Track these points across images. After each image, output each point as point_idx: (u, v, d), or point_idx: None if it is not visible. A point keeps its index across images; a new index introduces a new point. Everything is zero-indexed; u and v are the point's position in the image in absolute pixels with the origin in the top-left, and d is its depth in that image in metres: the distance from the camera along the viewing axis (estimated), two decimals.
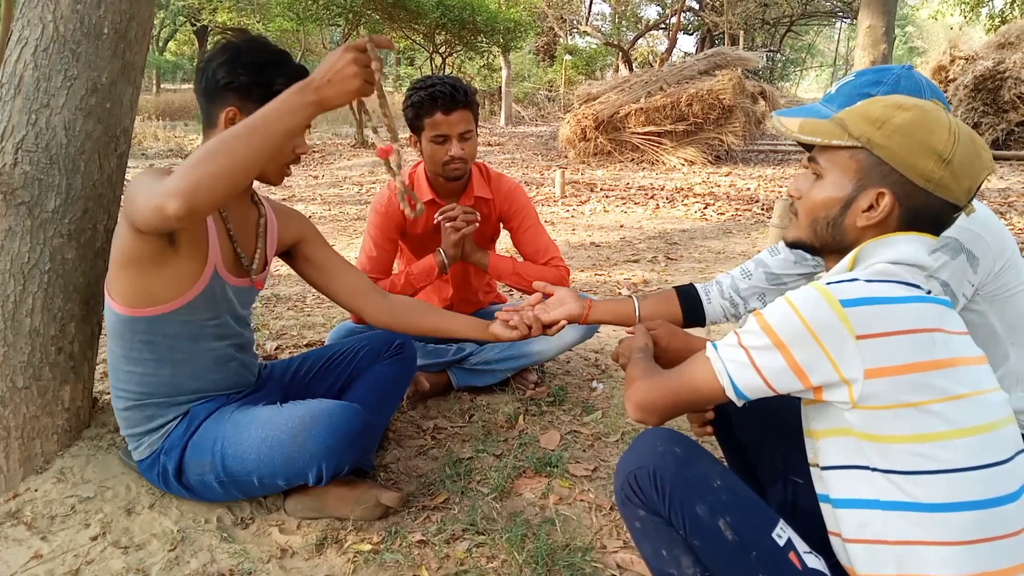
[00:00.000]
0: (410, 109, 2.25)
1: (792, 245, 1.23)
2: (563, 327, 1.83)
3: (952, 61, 11.40)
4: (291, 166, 1.65)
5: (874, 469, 1.03)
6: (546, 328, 1.82)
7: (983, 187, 7.93)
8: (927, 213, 1.09)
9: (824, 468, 1.12)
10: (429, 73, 15.11)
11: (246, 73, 1.51)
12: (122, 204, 1.50)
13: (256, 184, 1.73)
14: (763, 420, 1.47)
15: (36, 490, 1.74)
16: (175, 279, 1.55)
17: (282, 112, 1.29)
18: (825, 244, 1.17)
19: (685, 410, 1.27)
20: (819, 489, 1.16)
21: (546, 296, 1.90)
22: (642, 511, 1.19)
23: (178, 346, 1.61)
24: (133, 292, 1.54)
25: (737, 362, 1.10)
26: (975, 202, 1.44)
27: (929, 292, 1.09)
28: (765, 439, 1.48)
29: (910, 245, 1.08)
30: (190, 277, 1.57)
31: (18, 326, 1.72)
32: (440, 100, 2.17)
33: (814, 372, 1.03)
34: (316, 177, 10.22)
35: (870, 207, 1.10)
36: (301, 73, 1.52)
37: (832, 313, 1.01)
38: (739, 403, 1.14)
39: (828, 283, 1.05)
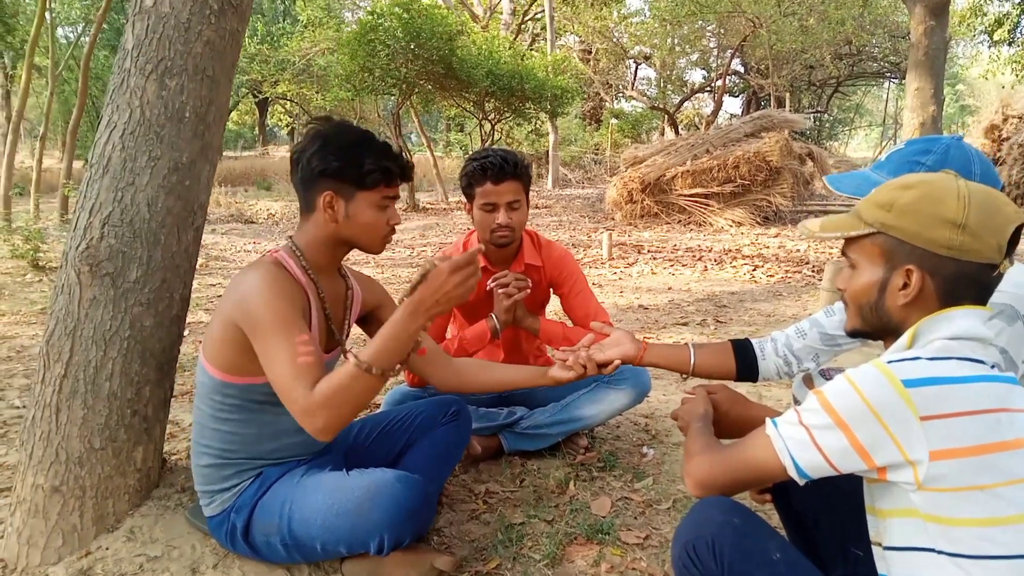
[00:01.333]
0: (464, 179, 2.36)
1: (851, 335, 1.26)
2: (617, 366, 1.86)
3: (1005, 120, 11.26)
4: (390, 236, 1.76)
5: (940, 552, 1.02)
6: (601, 367, 1.86)
7: None
8: (964, 279, 1.10)
9: (888, 548, 1.11)
10: (479, 139, 15.53)
11: (337, 158, 1.62)
12: (232, 301, 1.59)
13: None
14: (822, 490, 1.46)
15: (107, 548, 1.81)
16: None
17: (407, 342, 1.49)
18: (877, 328, 1.20)
19: (746, 488, 1.28)
20: (881, 569, 1.15)
21: (600, 337, 1.94)
22: None
23: (265, 409, 1.70)
24: (229, 363, 1.64)
25: (799, 440, 1.11)
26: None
27: (994, 366, 1.09)
28: (824, 510, 1.46)
29: (967, 320, 1.09)
30: None
31: (98, 390, 1.82)
32: (490, 171, 2.28)
33: (878, 453, 1.03)
34: None
35: (904, 285, 1.12)
36: (386, 148, 1.66)
37: (895, 393, 1.02)
38: (801, 482, 1.14)
39: (889, 362, 1.06)
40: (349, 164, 1.63)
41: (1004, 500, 0.98)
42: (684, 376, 1.90)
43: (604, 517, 2.11)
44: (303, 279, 1.69)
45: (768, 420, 1.19)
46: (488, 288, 2.39)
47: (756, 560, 1.16)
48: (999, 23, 17.25)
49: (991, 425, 1.00)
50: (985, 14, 17.37)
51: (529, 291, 2.39)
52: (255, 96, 24.70)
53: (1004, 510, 0.98)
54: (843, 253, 1.23)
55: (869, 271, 1.17)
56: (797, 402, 2.00)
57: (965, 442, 0.99)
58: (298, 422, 1.48)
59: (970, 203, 1.07)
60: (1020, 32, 17.39)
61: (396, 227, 1.77)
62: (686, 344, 1.89)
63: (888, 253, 1.14)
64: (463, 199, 2.42)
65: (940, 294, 1.11)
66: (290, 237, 1.74)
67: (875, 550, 1.17)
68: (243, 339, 1.58)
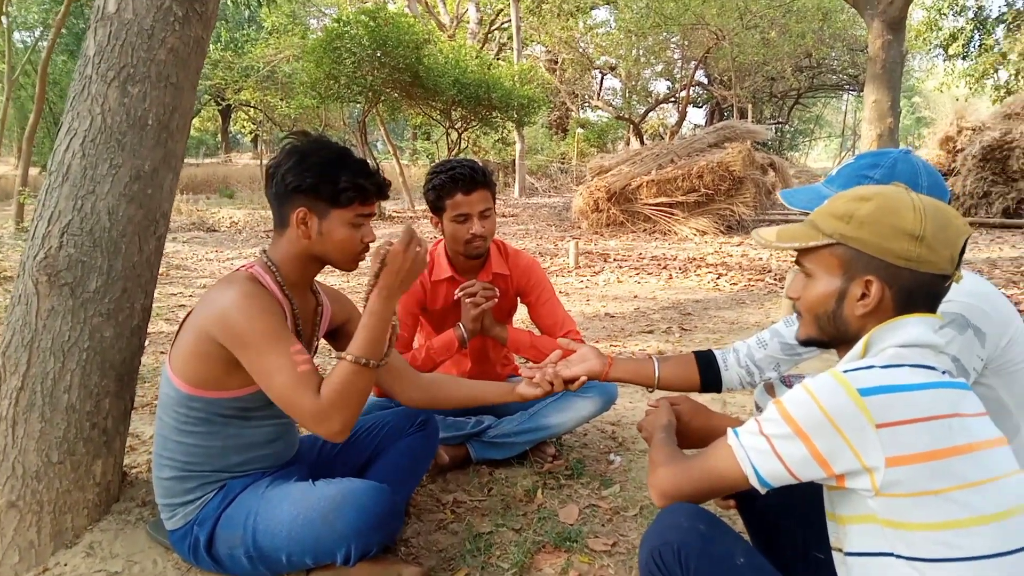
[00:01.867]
0: (431, 192, 2.33)
1: (805, 343, 1.28)
2: (584, 382, 1.89)
3: (959, 131, 11.60)
4: (364, 254, 1.75)
5: (898, 556, 1.04)
6: (567, 383, 1.89)
7: (984, 256, 7.96)
8: (920, 289, 1.13)
9: (848, 554, 1.13)
10: (445, 147, 15.52)
11: (312, 175, 1.61)
12: (210, 316, 1.57)
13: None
14: (784, 496, 1.49)
15: (66, 564, 1.77)
16: (242, 374, 1.60)
17: (385, 327, 1.58)
18: (833, 337, 1.22)
19: (709, 497, 1.30)
20: (841, 573, 1.17)
21: (567, 353, 1.96)
22: None
23: (232, 423, 1.68)
24: (198, 377, 1.62)
25: (759, 450, 1.13)
26: (977, 276, 1.49)
27: (945, 372, 1.12)
28: (787, 515, 1.49)
29: (918, 327, 1.12)
30: None
31: (56, 402, 1.78)
32: (460, 182, 2.27)
33: (836, 461, 1.05)
34: None
35: (863, 295, 1.15)
36: (362, 166, 1.66)
37: (851, 402, 1.04)
38: (763, 491, 1.16)
39: (845, 371, 1.08)
40: (324, 181, 1.61)
41: (958, 504, 1.01)
42: (650, 389, 1.92)
43: (572, 525, 2.12)
44: (279, 295, 1.68)
45: (729, 430, 1.20)
46: (456, 297, 2.39)
47: (721, 565, 1.17)
48: (953, 38, 17.80)
49: (944, 431, 1.02)
50: (940, 28, 17.92)
51: (496, 300, 2.40)
52: (218, 103, 24.37)
53: (958, 513, 1.01)
54: (797, 263, 1.24)
55: (826, 281, 1.19)
56: (759, 409, 2.04)
57: (919, 448, 1.01)
58: (309, 428, 1.54)
59: (926, 215, 1.10)
60: (973, 47, 17.96)
61: (370, 244, 1.76)
62: (650, 358, 1.92)
63: (847, 264, 1.16)
64: (429, 212, 2.41)
65: (897, 304, 1.14)
66: (263, 251, 1.73)
67: (835, 555, 1.19)
68: (221, 353, 1.57)
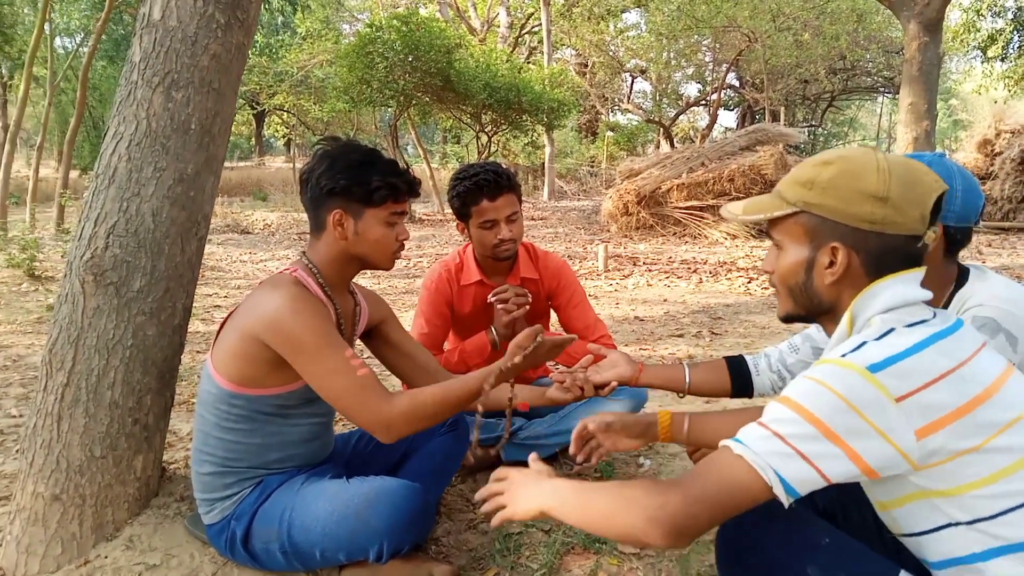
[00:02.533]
0: (456, 199, 2.32)
1: (785, 319, 1.25)
2: (614, 388, 1.90)
3: (998, 135, 11.39)
4: (399, 252, 1.79)
5: (958, 523, 1.02)
6: (598, 389, 1.89)
7: (1023, 262, 7.78)
8: (890, 252, 1.09)
9: (909, 535, 1.10)
10: (475, 150, 15.59)
11: (344, 176, 1.66)
12: (259, 320, 1.60)
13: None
14: (842, 486, 1.44)
15: (106, 557, 1.82)
16: (287, 373, 1.65)
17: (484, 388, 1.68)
18: (810, 310, 1.19)
19: (724, 520, 1.08)
20: (917, 553, 1.13)
21: (598, 359, 1.96)
22: None
23: (273, 421, 1.72)
24: (242, 375, 1.66)
25: (780, 454, 1.00)
26: (1009, 281, 1.47)
27: (935, 315, 1.09)
28: (849, 500, 1.44)
29: (893, 288, 1.09)
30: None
31: (100, 398, 1.83)
32: (485, 188, 2.26)
33: (867, 452, 0.99)
34: None
35: (831, 263, 1.11)
36: (392, 165, 1.70)
37: (864, 381, 0.99)
38: (788, 501, 1.02)
39: (843, 355, 1.04)
40: (356, 182, 1.66)
41: (999, 452, 0.98)
42: (680, 395, 1.92)
43: None
44: (322, 297, 1.72)
45: (730, 441, 1.07)
46: (488, 302, 2.41)
47: (807, 550, 1.13)
48: (992, 39, 17.43)
49: (959, 384, 1.00)
50: (979, 30, 17.55)
51: (528, 307, 2.41)
52: (252, 107, 24.73)
53: (1002, 461, 0.98)
54: (768, 235, 1.21)
55: (794, 251, 1.15)
56: None
57: (943, 410, 0.98)
58: (370, 430, 1.61)
59: (890, 175, 1.06)
60: (1013, 48, 17.57)
61: (405, 243, 1.79)
62: (681, 363, 1.92)
63: (812, 232, 1.12)
64: (455, 218, 2.41)
65: (867, 269, 1.10)
66: (303, 254, 1.77)
67: (903, 540, 1.15)
68: (266, 355, 1.61)
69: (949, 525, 1.03)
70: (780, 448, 1.01)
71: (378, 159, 1.70)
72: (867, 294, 1.10)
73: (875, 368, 0.99)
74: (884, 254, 1.09)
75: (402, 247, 1.78)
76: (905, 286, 1.09)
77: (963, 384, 1.00)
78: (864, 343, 1.04)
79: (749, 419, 1.35)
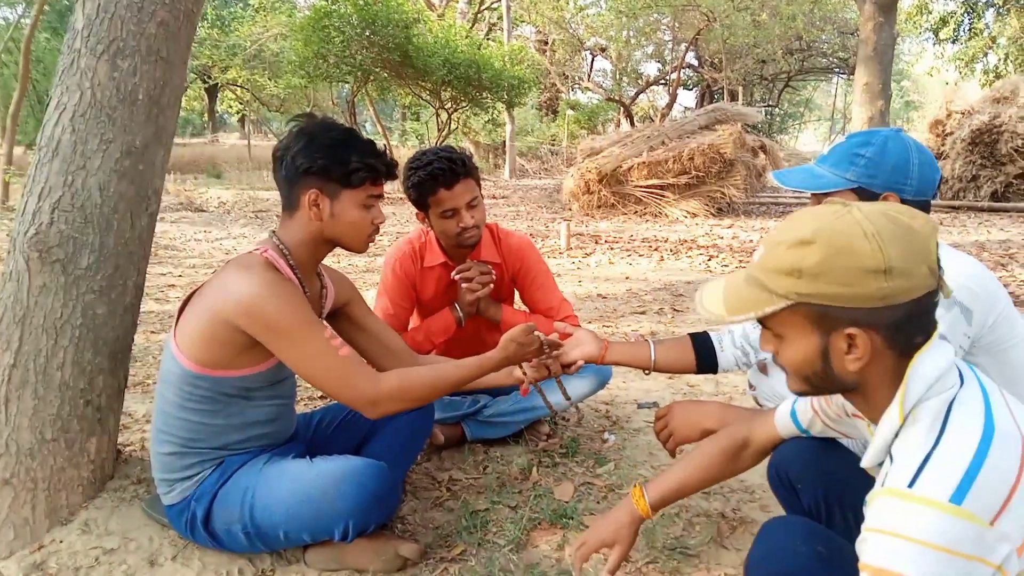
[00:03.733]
0: (412, 191, 2.24)
1: (800, 395, 1.15)
2: (580, 367, 1.91)
3: (948, 115, 11.68)
4: (374, 235, 1.76)
5: None
6: (565, 368, 1.90)
7: (973, 239, 8.02)
8: (910, 319, 0.98)
9: None
10: (435, 128, 15.42)
11: (322, 156, 1.61)
12: (229, 302, 1.55)
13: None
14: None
15: (61, 541, 1.76)
16: (254, 355, 1.62)
17: (480, 375, 1.78)
18: (829, 392, 1.10)
19: None
20: None
21: (564, 337, 1.96)
22: None
23: (234, 402, 1.67)
24: (208, 357, 1.60)
25: None
26: (963, 255, 1.48)
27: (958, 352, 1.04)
28: (833, 501, 1.44)
29: (929, 363, 1.00)
30: (268, 354, 1.64)
31: (48, 380, 1.77)
32: (441, 177, 2.17)
33: None
34: None
35: (850, 347, 0.99)
36: (370, 146, 1.66)
37: (955, 519, 0.89)
38: None
39: (910, 486, 0.93)
40: (335, 162, 1.61)
41: None
42: (646, 372, 1.93)
43: (567, 502, 2.13)
44: (293, 279, 1.67)
45: None
46: (453, 279, 2.38)
47: None
48: (944, 22, 17.83)
49: None
50: (931, 12, 17.92)
51: (493, 284, 2.39)
52: (204, 82, 24.03)
53: None
54: (762, 324, 1.09)
55: (802, 342, 1.02)
56: (752, 387, 2.05)
57: None
58: (355, 407, 1.65)
59: (883, 239, 0.94)
60: (964, 31, 17.98)
61: (380, 226, 1.75)
62: (646, 340, 1.93)
63: (817, 320, 1.00)
64: (413, 207, 2.33)
65: (890, 342, 0.99)
66: (273, 233, 1.71)
67: None
68: (237, 338, 1.56)
69: None
70: None
71: (357, 139, 1.66)
72: (908, 376, 1.00)
73: (956, 499, 0.89)
74: (905, 322, 0.98)
75: (377, 230, 1.74)
76: (936, 356, 1.00)
77: None
78: (926, 459, 0.94)
79: (709, 459, 1.50)
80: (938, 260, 0.98)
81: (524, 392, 2.08)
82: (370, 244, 1.75)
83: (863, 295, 0.95)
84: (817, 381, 1.06)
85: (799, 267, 0.97)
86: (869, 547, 0.94)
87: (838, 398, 1.30)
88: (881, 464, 1.05)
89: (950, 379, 1.00)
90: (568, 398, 2.23)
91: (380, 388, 1.61)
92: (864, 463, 1.08)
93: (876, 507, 0.96)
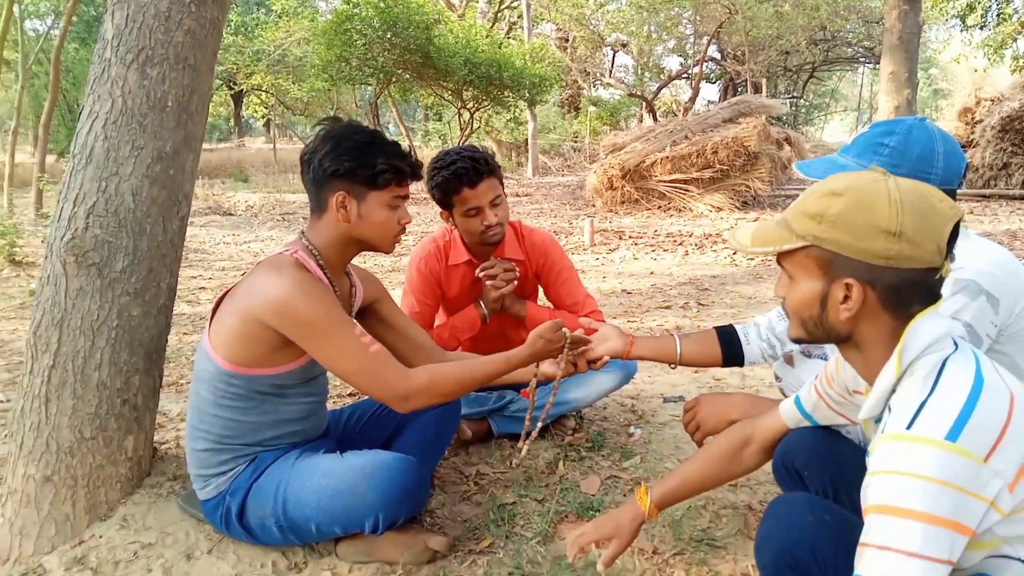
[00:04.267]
0: (436, 190, 2.28)
1: (796, 342, 1.22)
2: (606, 362, 1.92)
3: (978, 103, 11.45)
4: (400, 236, 1.79)
5: (1020, 559, 1.02)
6: (591, 364, 1.91)
7: (1004, 228, 7.87)
8: (906, 286, 1.04)
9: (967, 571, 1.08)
10: (458, 127, 15.46)
11: (349, 158, 1.64)
12: (261, 302, 1.58)
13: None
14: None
15: (101, 536, 1.82)
16: (287, 353, 1.66)
17: (508, 370, 1.81)
18: (822, 339, 1.15)
19: None
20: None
21: (589, 333, 1.97)
22: None
23: (268, 400, 1.71)
24: (242, 356, 1.64)
25: (922, 571, 0.94)
26: (990, 243, 1.48)
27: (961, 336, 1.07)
28: (840, 483, 1.45)
29: (929, 324, 1.06)
30: (300, 352, 1.68)
31: (86, 380, 1.82)
32: (464, 176, 2.21)
33: (972, 520, 0.96)
34: None
35: (845, 298, 1.07)
36: (395, 148, 1.69)
37: (952, 454, 0.95)
38: None
39: (909, 428, 0.99)
40: (361, 164, 1.65)
41: None
42: (672, 366, 1.94)
43: (593, 495, 2.15)
44: (323, 279, 1.71)
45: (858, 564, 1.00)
46: (477, 276, 2.40)
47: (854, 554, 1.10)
48: (971, 8, 17.43)
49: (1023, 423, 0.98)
50: None
51: (516, 281, 2.40)
52: (229, 87, 24.34)
53: None
54: (778, 263, 1.17)
55: (807, 284, 1.11)
56: (779, 379, 2.05)
57: (1022, 455, 0.97)
58: (388, 402, 1.67)
59: (903, 207, 1.01)
60: (992, 16, 17.59)
61: (407, 226, 1.78)
62: (672, 335, 1.93)
63: (824, 266, 1.08)
64: (437, 206, 2.36)
65: (884, 303, 1.06)
66: (302, 234, 1.75)
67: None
68: (269, 337, 1.61)
69: (1007, 557, 1.03)
70: (918, 569, 0.94)
71: (383, 141, 1.69)
72: (908, 334, 1.06)
73: (952, 436, 0.95)
74: (901, 288, 1.04)
75: (403, 230, 1.77)
76: (934, 321, 1.06)
77: None
78: (922, 406, 1.00)
79: (711, 458, 1.53)
80: (950, 245, 1.03)
81: (525, 393, 2.08)
82: (397, 244, 1.78)
83: (870, 250, 1.03)
84: (812, 327, 1.13)
85: (822, 213, 1.06)
86: (872, 490, 1.00)
87: (841, 378, 1.34)
88: (879, 421, 1.12)
89: (946, 343, 1.06)
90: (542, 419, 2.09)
91: (410, 384, 1.64)
92: (862, 414, 1.14)
93: (877, 453, 1.02)
